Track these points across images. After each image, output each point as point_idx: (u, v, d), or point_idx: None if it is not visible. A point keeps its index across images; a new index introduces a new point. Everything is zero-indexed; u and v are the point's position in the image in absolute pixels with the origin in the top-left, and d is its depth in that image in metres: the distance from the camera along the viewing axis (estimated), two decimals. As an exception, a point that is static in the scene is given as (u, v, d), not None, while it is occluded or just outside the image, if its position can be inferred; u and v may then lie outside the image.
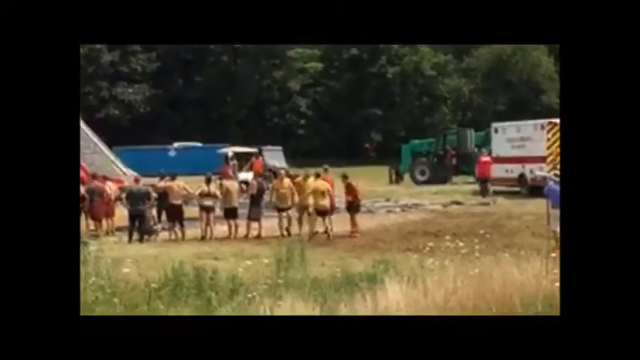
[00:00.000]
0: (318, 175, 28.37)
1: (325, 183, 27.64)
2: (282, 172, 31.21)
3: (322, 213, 26.59)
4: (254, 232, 27.65)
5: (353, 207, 27.28)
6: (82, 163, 34.95)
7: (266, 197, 30.56)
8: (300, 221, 27.71)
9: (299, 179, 29.00)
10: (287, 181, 28.67)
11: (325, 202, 26.65)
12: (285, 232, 27.25)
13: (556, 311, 14.52)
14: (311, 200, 26.90)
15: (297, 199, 28.15)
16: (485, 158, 43.93)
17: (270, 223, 28.69)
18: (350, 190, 27.55)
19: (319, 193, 26.74)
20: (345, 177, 28.02)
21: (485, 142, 46.58)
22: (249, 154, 50.68)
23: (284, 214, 27.73)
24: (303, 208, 27.68)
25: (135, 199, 27.66)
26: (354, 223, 26.76)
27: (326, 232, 26.29)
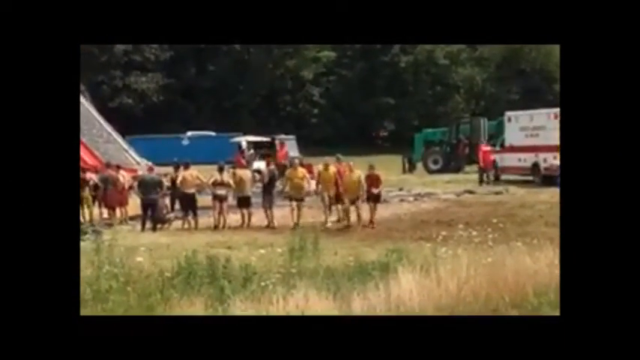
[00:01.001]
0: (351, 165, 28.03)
1: (358, 172, 27.47)
2: (296, 161, 30.63)
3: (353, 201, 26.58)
4: (265, 221, 27.64)
5: (376, 198, 26.88)
6: (96, 152, 35.30)
7: (278, 185, 30.67)
8: (328, 210, 27.48)
9: (320, 168, 28.47)
10: (301, 170, 28.43)
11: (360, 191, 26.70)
12: (296, 222, 26.62)
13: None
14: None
15: (312, 187, 28.32)
16: (486, 148, 44.82)
17: (282, 212, 28.74)
18: (375, 181, 27.08)
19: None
20: (371, 167, 27.69)
21: (498, 131, 46.56)
22: (263, 143, 50.61)
23: (294, 203, 27.25)
24: (332, 198, 27.48)
25: (147, 187, 27.66)
26: (373, 215, 26.37)
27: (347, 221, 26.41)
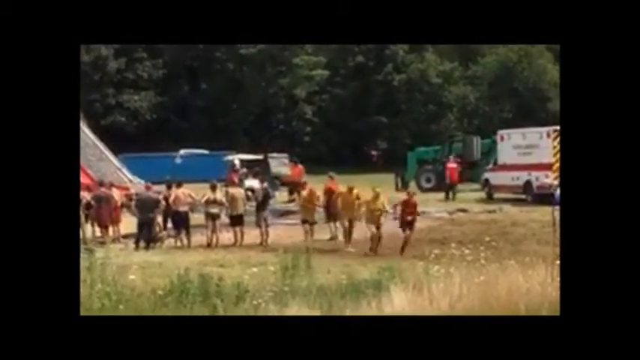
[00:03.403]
0: (352, 189, 27.28)
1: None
2: (309, 185, 29.92)
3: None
4: (257, 240, 27.73)
5: (410, 225, 25.68)
6: (89, 171, 35.31)
7: (272, 203, 30.72)
8: (349, 233, 26.68)
9: (344, 191, 27.47)
10: (316, 194, 28.19)
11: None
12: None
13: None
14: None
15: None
16: (452, 164, 45.90)
17: (276, 230, 28.78)
18: (411, 207, 26.15)
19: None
20: (409, 193, 27.60)
21: (491, 150, 46.62)
22: (255, 161, 50.74)
23: (307, 226, 26.99)
24: (352, 222, 26.68)
25: (145, 206, 27.78)
26: (405, 243, 25.11)
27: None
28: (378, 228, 25.22)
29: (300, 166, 46.41)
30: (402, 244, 24.71)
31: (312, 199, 27.53)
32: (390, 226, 26.76)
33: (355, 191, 26.90)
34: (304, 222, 27.00)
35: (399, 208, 25.97)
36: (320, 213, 28.57)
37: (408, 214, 25.60)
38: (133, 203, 28.97)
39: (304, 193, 28.48)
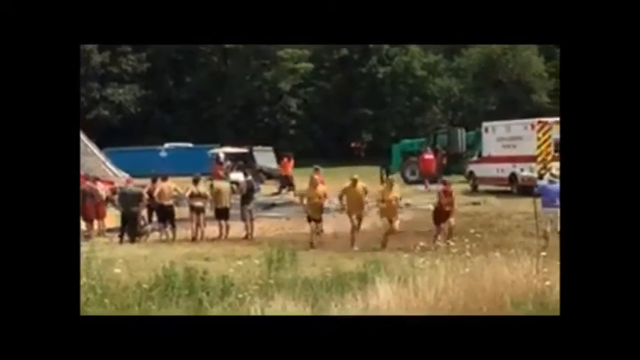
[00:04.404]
0: (355, 181, 26.08)
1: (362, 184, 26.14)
2: (316, 177, 28.17)
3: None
4: (243, 233, 27.77)
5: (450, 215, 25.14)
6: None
7: (256, 197, 30.68)
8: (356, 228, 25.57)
9: (348, 186, 26.24)
10: (322, 188, 27.09)
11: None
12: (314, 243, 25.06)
13: (546, 310, 14.66)
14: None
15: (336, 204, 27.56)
16: (428, 156, 46.51)
17: (260, 223, 28.76)
18: (448, 196, 25.71)
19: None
20: (445, 182, 27.29)
21: (475, 142, 46.67)
22: (240, 155, 50.82)
23: (313, 224, 25.88)
24: (360, 218, 25.73)
25: (128, 200, 27.87)
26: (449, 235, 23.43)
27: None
28: (391, 221, 24.67)
29: (292, 162, 46.35)
30: (434, 238, 23.70)
31: (317, 193, 26.43)
32: (376, 218, 26.74)
33: (360, 184, 25.98)
34: (309, 219, 26.13)
35: (437, 205, 25.44)
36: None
37: (446, 205, 25.23)
38: (116, 197, 28.99)
39: (309, 187, 27.28)
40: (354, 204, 25.33)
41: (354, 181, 25.79)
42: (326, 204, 27.07)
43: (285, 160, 46.55)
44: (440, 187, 27.00)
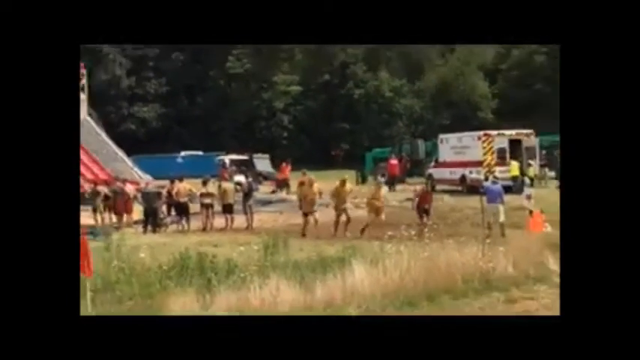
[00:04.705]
0: (344, 182, 26.12)
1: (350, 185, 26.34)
2: (312, 178, 27.92)
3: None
4: (244, 224, 27.71)
5: (428, 212, 24.86)
6: (107, 169, 35.45)
7: (256, 194, 30.77)
8: (338, 221, 25.25)
9: (338, 185, 26.06)
10: (317, 186, 26.64)
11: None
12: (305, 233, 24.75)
13: (490, 286, 14.69)
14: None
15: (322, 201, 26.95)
16: (394, 161, 46.44)
17: (259, 216, 28.81)
18: (427, 197, 25.67)
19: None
20: (425, 185, 27.42)
21: (433, 150, 46.64)
22: (242, 161, 51.08)
23: (310, 217, 25.42)
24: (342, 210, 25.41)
25: (149, 198, 28.05)
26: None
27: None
28: (378, 215, 24.56)
29: (289, 168, 46.33)
30: (419, 229, 22.53)
31: (312, 191, 26.11)
32: (352, 213, 26.67)
33: (348, 185, 26.22)
34: (306, 214, 25.64)
35: (416, 200, 25.35)
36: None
37: (424, 203, 25.04)
38: (139, 195, 29.04)
39: (305, 187, 26.92)
40: (342, 200, 25.30)
41: (343, 182, 25.80)
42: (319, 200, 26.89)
43: (284, 165, 46.62)
44: (418, 187, 26.82)
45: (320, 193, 26.59)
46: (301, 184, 27.79)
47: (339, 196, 25.35)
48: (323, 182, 27.92)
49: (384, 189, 25.43)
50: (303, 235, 24.28)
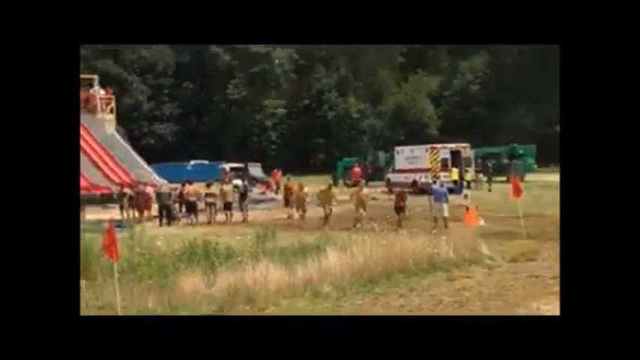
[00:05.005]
0: (330, 186, 26.82)
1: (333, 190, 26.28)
2: (302, 183, 28.24)
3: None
4: (240, 219, 27.71)
5: (402, 209, 24.55)
6: (131, 174, 35.53)
7: (250, 195, 30.94)
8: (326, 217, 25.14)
9: (323, 188, 26.49)
10: (333, 191, 26.55)
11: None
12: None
13: (435, 267, 14.74)
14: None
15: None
16: (357, 169, 47.01)
17: (253, 213, 28.84)
18: (403, 197, 25.30)
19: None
20: (401, 188, 26.97)
21: (391, 160, 46.72)
22: (239, 168, 51.36)
23: (302, 213, 25.86)
24: (331, 210, 25.36)
25: (162, 197, 28.48)
26: (400, 222, 22.96)
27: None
28: (364, 209, 24.43)
29: (280, 174, 46.45)
30: (398, 222, 22.87)
31: (330, 194, 25.89)
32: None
33: (333, 189, 26.41)
34: (297, 209, 25.76)
35: (394, 200, 25.14)
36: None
37: (400, 201, 24.83)
38: (154, 195, 29.23)
39: (325, 190, 26.45)
40: (327, 200, 25.28)
41: (330, 185, 26.43)
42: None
43: (275, 171, 47.10)
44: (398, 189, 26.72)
45: (307, 194, 26.71)
46: (286, 187, 28.09)
47: (326, 197, 25.40)
48: (306, 185, 27.94)
49: (366, 189, 25.41)
50: (292, 228, 23.88)
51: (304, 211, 26.04)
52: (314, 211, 26.48)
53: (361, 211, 24.42)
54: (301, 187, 26.73)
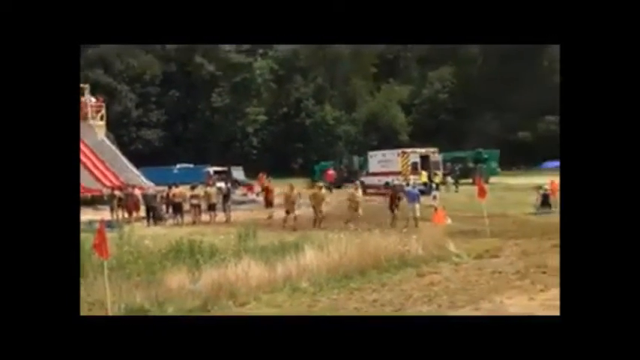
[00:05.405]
0: (320, 187, 26.49)
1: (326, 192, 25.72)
2: (292, 184, 27.52)
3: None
4: (224, 219, 27.56)
5: (397, 208, 24.07)
6: (120, 177, 35.44)
7: (233, 196, 30.86)
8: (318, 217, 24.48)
9: (315, 191, 26.05)
10: (325, 192, 26.33)
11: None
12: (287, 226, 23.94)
13: (405, 264, 14.78)
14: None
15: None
16: (331, 172, 47.46)
17: (235, 213, 28.74)
18: (397, 198, 24.62)
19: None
20: (394, 188, 26.57)
21: (364, 163, 46.81)
22: (222, 171, 51.58)
23: (292, 215, 24.81)
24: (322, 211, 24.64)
25: (148, 199, 28.65)
26: (393, 220, 23.05)
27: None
28: (356, 210, 23.82)
29: (264, 177, 46.28)
30: (392, 220, 22.96)
31: (320, 195, 25.32)
32: (305, 211, 26.60)
33: (323, 191, 26.02)
34: (287, 212, 24.97)
35: (388, 200, 24.78)
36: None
37: (395, 201, 24.43)
38: (141, 197, 29.22)
39: (316, 191, 26.10)
40: (318, 202, 24.86)
41: (320, 188, 26.13)
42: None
43: (261, 175, 46.92)
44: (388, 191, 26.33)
45: (299, 195, 26.28)
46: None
47: (317, 198, 25.01)
48: (285, 187, 27.82)
49: (360, 190, 24.82)
50: (284, 226, 23.56)
51: (293, 211, 25.46)
52: (301, 211, 26.28)
53: (352, 211, 23.87)
54: (292, 189, 26.55)
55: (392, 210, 24.26)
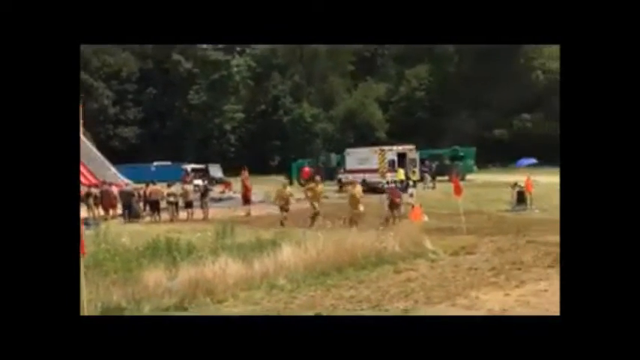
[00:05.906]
0: (318, 182, 25.77)
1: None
2: (317, 177, 27.34)
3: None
4: (201, 216, 27.49)
5: (397, 206, 23.61)
6: (97, 175, 35.17)
7: (210, 194, 30.85)
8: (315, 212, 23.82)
9: (312, 185, 25.49)
10: (321, 187, 25.73)
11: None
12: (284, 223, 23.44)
13: (382, 260, 14.83)
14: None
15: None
16: (306, 169, 47.15)
17: (213, 211, 28.69)
18: (397, 193, 24.66)
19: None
20: (395, 185, 26.32)
21: (342, 161, 46.89)
22: (199, 169, 51.44)
23: (285, 213, 24.51)
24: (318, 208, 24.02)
25: (125, 196, 28.61)
26: (394, 219, 22.71)
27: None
28: (357, 208, 22.81)
29: (247, 174, 46.16)
30: (393, 219, 22.50)
31: (318, 190, 24.91)
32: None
33: (320, 186, 25.44)
34: (281, 209, 24.73)
35: (387, 200, 24.25)
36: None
37: (396, 198, 23.96)
38: (117, 195, 29.12)
39: (313, 185, 25.58)
40: (316, 197, 24.37)
41: (317, 183, 25.58)
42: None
43: (244, 170, 46.86)
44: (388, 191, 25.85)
45: (291, 194, 26.01)
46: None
47: (314, 194, 24.45)
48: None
49: (359, 187, 24.31)
50: (282, 224, 23.06)
51: (287, 210, 25.19)
52: (273, 209, 26.27)
53: (351, 208, 22.82)
54: (284, 187, 26.48)
55: (392, 210, 24.25)
